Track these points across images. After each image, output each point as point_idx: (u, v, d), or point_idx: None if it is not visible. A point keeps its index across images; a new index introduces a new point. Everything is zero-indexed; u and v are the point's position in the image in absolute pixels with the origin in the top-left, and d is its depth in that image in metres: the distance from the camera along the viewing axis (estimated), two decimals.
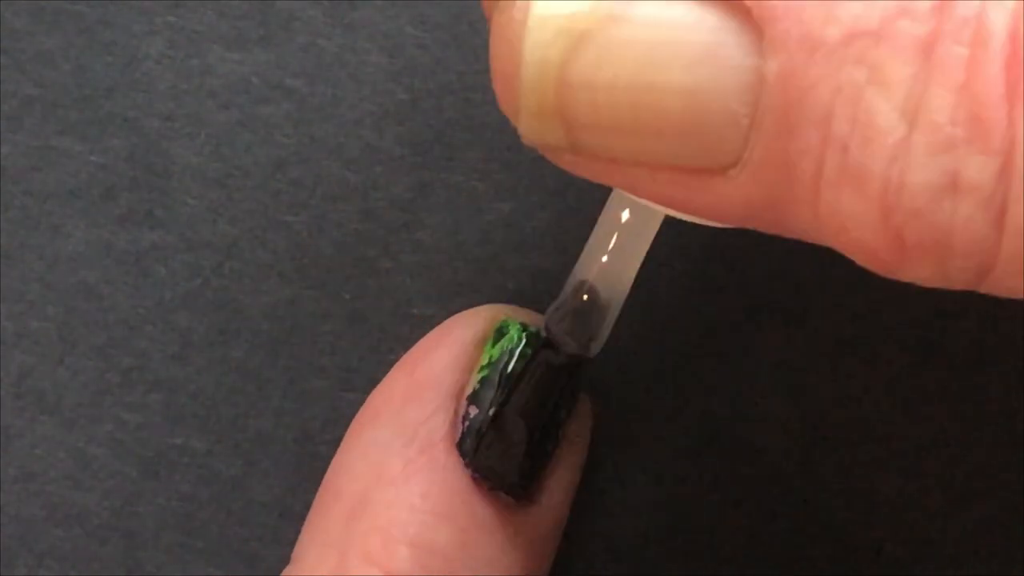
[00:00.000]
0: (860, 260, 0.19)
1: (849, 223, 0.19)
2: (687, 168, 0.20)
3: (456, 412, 0.27)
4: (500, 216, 0.29)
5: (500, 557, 0.26)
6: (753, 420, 0.29)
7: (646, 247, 0.25)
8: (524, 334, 0.27)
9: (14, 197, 0.30)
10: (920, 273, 0.19)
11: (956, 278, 0.19)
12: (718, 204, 0.20)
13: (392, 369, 0.28)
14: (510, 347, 0.27)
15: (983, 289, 0.19)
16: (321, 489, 0.27)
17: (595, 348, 0.26)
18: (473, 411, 0.27)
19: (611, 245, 0.25)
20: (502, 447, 0.26)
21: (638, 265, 0.25)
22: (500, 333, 0.27)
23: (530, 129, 0.20)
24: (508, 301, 0.29)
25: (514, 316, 0.27)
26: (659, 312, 0.29)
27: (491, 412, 0.26)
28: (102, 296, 0.30)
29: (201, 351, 0.30)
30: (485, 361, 0.27)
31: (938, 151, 0.18)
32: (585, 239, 0.26)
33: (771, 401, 0.29)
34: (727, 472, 0.29)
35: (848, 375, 0.29)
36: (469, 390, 0.27)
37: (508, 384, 0.26)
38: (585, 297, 0.25)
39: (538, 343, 0.26)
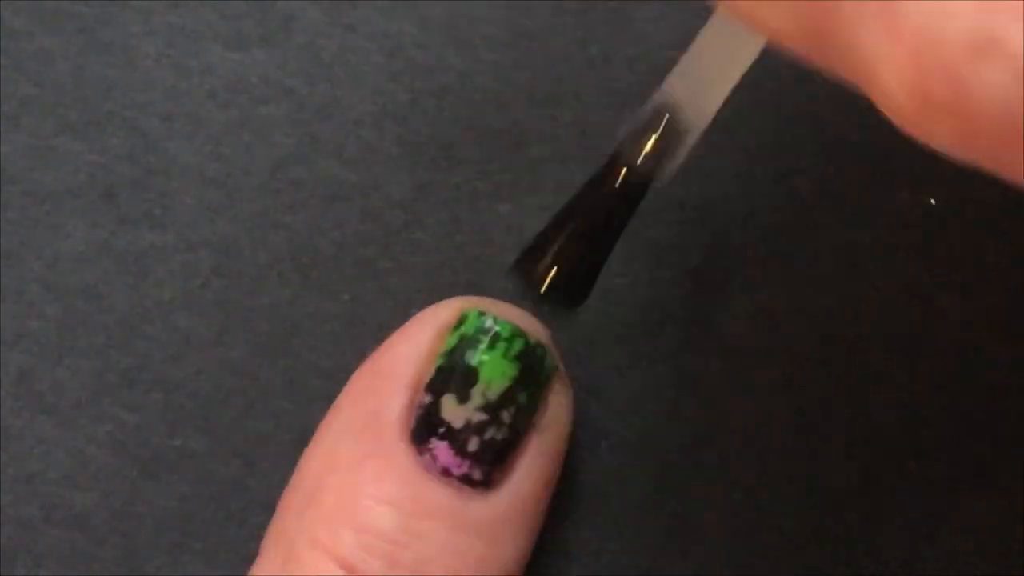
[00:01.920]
0: (884, 107, 0.19)
1: (880, 65, 0.18)
2: None
3: (413, 401, 0.27)
4: (500, 216, 0.29)
5: (452, 541, 0.26)
6: (753, 420, 0.29)
7: (736, 79, 0.23)
8: (481, 322, 0.27)
9: (13, 197, 0.30)
10: (938, 132, 0.18)
11: (973, 145, 0.18)
12: (777, 21, 0.19)
13: (362, 363, 0.28)
14: (467, 335, 0.27)
15: (994, 165, 0.18)
16: (288, 483, 0.28)
17: (667, 173, 0.24)
18: (427, 399, 0.27)
19: (702, 69, 0.23)
20: (458, 436, 0.26)
21: (726, 94, 0.23)
22: (462, 322, 0.27)
23: None
24: (508, 301, 0.29)
25: (485, 307, 0.27)
26: (659, 311, 0.29)
27: (439, 401, 0.26)
28: (101, 296, 0.30)
29: (200, 351, 0.30)
30: (444, 350, 0.27)
31: (981, 9, 0.17)
32: None
33: (771, 401, 0.29)
34: (726, 472, 0.29)
35: (848, 375, 0.29)
36: (427, 379, 0.27)
37: (464, 376, 0.27)
38: (667, 117, 0.23)
39: (493, 332, 0.27)
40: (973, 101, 0.18)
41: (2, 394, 0.30)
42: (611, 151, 0.24)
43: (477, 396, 0.27)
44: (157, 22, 0.30)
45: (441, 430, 0.27)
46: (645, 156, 0.24)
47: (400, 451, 0.27)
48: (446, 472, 0.26)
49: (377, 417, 0.27)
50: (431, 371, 0.27)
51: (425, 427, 0.27)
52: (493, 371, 0.27)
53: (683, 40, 0.29)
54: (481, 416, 0.27)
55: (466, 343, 0.27)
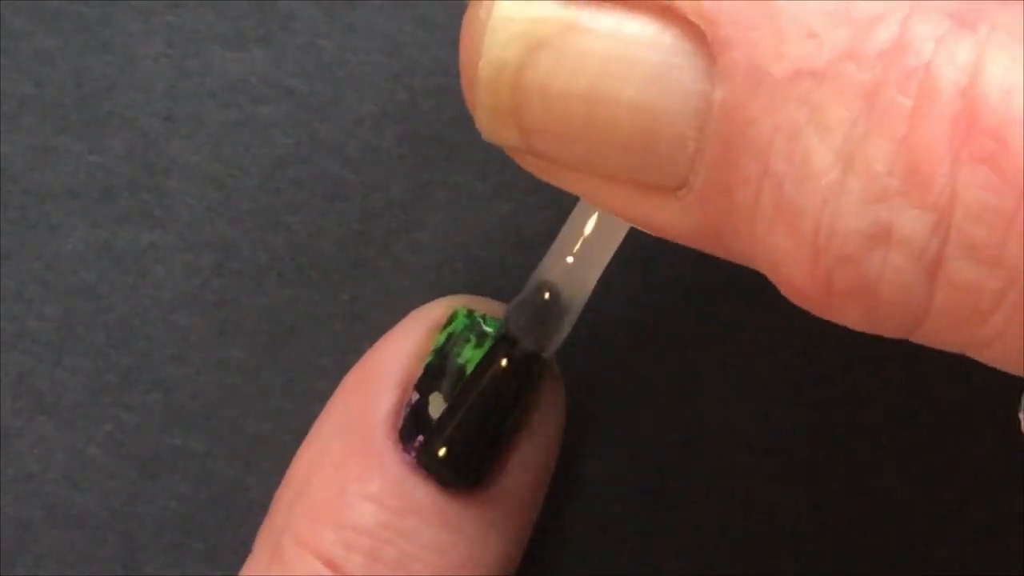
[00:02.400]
0: (791, 297, 0.19)
1: (781, 259, 0.19)
2: (636, 183, 0.20)
3: (401, 399, 0.27)
4: (500, 216, 0.29)
5: (436, 538, 0.26)
6: (753, 419, 0.29)
7: (611, 252, 0.25)
8: (469, 320, 0.27)
9: (12, 197, 0.30)
10: (847, 317, 0.19)
11: (885, 326, 0.19)
12: (666, 223, 0.20)
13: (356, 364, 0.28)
14: (455, 333, 0.27)
15: (916, 339, 0.19)
16: (282, 482, 0.28)
17: (552, 348, 0.26)
18: (415, 397, 0.27)
19: (577, 247, 0.25)
20: (445, 435, 0.27)
21: (602, 269, 0.25)
22: (451, 320, 0.27)
23: (486, 127, 0.21)
24: (508, 301, 0.29)
25: (475, 306, 0.27)
26: (659, 311, 0.29)
27: (426, 399, 0.27)
28: (101, 296, 0.30)
29: (200, 351, 0.30)
30: (432, 348, 0.27)
31: (872, 199, 0.18)
32: None
33: (771, 401, 0.29)
34: (727, 472, 0.29)
35: (849, 374, 0.29)
36: (415, 378, 0.27)
37: (452, 374, 0.27)
38: (547, 296, 0.25)
39: (481, 330, 0.27)
40: (876, 287, 0.18)
41: (2, 394, 0.30)
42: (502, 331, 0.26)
43: (468, 399, 0.27)
44: (157, 22, 0.30)
45: (429, 428, 0.27)
46: (529, 335, 0.25)
47: (386, 449, 0.27)
48: (431, 468, 0.26)
49: (365, 416, 0.27)
50: (420, 370, 0.27)
51: (412, 425, 0.27)
52: (487, 377, 0.27)
53: None
54: (467, 418, 0.27)
55: (454, 341, 0.27)
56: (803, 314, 0.29)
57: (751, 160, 0.18)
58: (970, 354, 0.19)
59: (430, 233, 0.30)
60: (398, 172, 0.30)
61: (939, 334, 0.18)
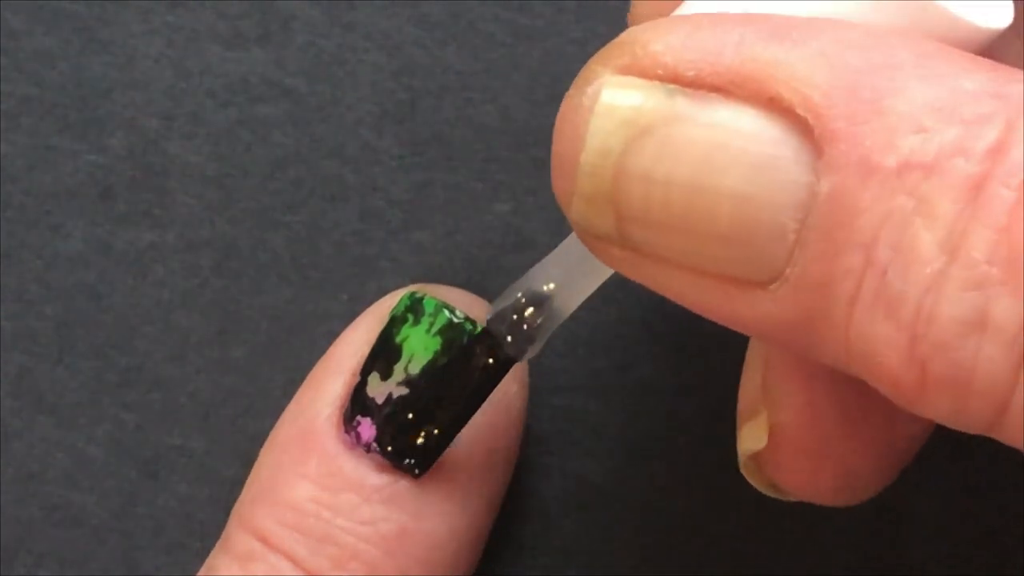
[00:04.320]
0: (883, 388, 0.19)
1: (877, 348, 0.19)
2: (729, 278, 0.20)
3: (349, 385, 0.27)
4: (500, 216, 0.29)
5: (369, 512, 0.27)
6: None
7: (604, 278, 0.25)
8: (410, 301, 0.27)
9: (12, 197, 0.30)
10: (938, 408, 0.19)
11: (971, 419, 0.19)
12: (756, 319, 0.20)
13: None
14: (396, 315, 0.27)
15: (995, 435, 0.19)
16: None
17: (530, 354, 0.26)
18: (358, 380, 0.27)
19: (573, 263, 0.25)
20: (380, 411, 0.27)
21: (594, 289, 0.25)
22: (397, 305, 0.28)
23: (581, 214, 0.21)
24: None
25: (428, 291, 0.28)
26: (659, 311, 0.29)
27: (365, 379, 0.27)
28: (100, 296, 0.30)
29: (200, 351, 0.30)
30: (378, 332, 0.28)
31: (971, 287, 0.18)
32: None
33: None
34: (727, 471, 0.29)
35: None
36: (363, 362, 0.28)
37: (390, 352, 0.27)
38: (531, 309, 0.25)
39: (420, 309, 0.27)
40: (968, 376, 0.18)
41: (1, 394, 0.30)
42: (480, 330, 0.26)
43: (399, 371, 0.27)
44: (157, 22, 0.30)
45: (365, 407, 0.27)
46: (510, 340, 0.25)
47: (326, 431, 0.27)
48: (369, 447, 0.27)
49: (312, 402, 0.28)
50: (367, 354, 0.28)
51: (352, 406, 0.27)
52: (415, 346, 0.27)
53: None
54: (403, 391, 0.27)
55: (394, 322, 0.27)
56: None
57: (855, 250, 0.19)
58: None
59: (430, 233, 0.30)
60: (398, 172, 0.30)
61: (1014, 430, 0.19)
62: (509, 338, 0.25)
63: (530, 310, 0.25)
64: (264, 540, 0.27)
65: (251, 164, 0.30)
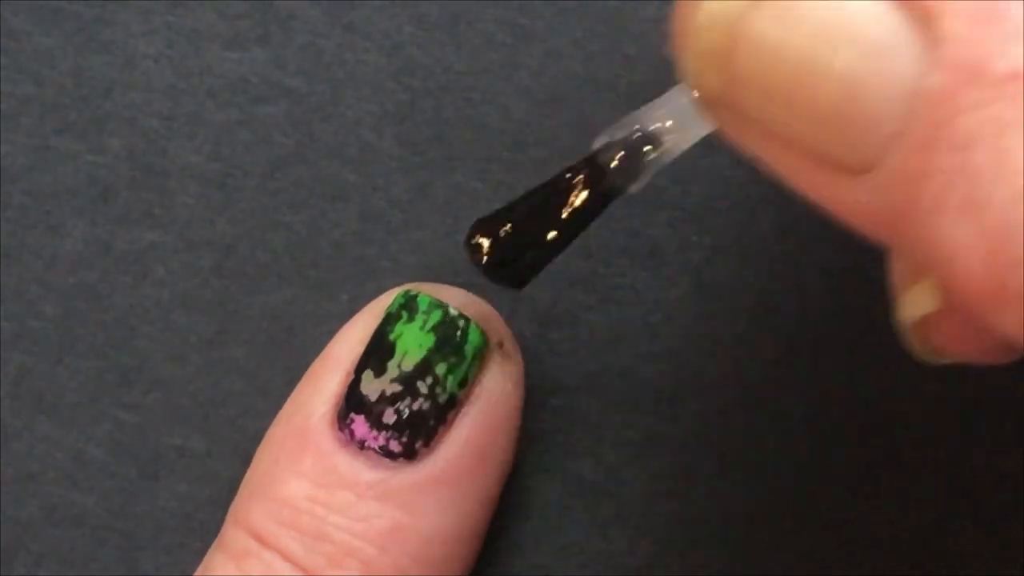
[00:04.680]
0: (958, 292, 0.19)
1: (959, 252, 0.19)
2: (826, 158, 0.20)
3: (344, 383, 0.27)
4: None
5: (363, 509, 0.27)
6: (753, 419, 0.29)
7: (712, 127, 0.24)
8: (405, 299, 0.27)
9: (12, 197, 0.30)
10: (1008, 320, 0.19)
11: None
12: (846, 202, 0.20)
13: None
14: (391, 312, 0.27)
15: None
16: None
17: (634, 188, 0.25)
18: (352, 377, 0.27)
19: (683, 109, 0.24)
20: (373, 409, 0.27)
21: (701, 136, 0.24)
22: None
23: (693, 68, 0.20)
24: (507, 301, 0.29)
25: (423, 289, 0.28)
26: (659, 311, 0.29)
27: (359, 376, 0.27)
28: (100, 296, 0.30)
29: (200, 351, 0.30)
30: (373, 330, 0.28)
31: None
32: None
33: (771, 401, 0.29)
34: (727, 471, 0.29)
35: (849, 374, 0.29)
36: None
37: (384, 350, 0.27)
38: (644, 141, 0.24)
39: (414, 306, 0.27)
40: None
41: (1, 394, 0.30)
42: (587, 153, 0.25)
43: (392, 368, 0.27)
44: (157, 22, 0.30)
45: (359, 405, 0.27)
46: (616, 169, 0.24)
47: (320, 429, 0.27)
48: (364, 445, 0.27)
49: (308, 400, 0.28)
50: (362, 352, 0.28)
51: (347, 403, 0.27)
52: (408, 343, 0.27)
53: None
54: (396, 388, 0.27)
55: (389, 320, 0.27)
56: (804, 315, 0.29)
57: (951, 150, 0.19)
58: None
59: (430, 233, 0.30)
60: (398, 172, 0.30)
61: None
62: (615, 165, 0.24)
63: (641, 144, 0.24)
64: (259, 538, 0.27)
65: (251, 164, 0.30)
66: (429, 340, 0.27)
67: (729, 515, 0.29)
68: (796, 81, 0.20)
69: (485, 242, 0.26)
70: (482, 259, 0.26)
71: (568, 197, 0.25)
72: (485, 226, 0.26)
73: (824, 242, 0.29)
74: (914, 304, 0.24)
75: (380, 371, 0.27)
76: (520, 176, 0.30)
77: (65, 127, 0.30)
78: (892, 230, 0.20)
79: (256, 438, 0.29)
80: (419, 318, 0.27)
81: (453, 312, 0.27)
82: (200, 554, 0.28)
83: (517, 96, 0.29)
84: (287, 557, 0.27)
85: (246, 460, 0.29)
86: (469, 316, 0.27)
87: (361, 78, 0.30)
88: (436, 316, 0.27)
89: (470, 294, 0.28)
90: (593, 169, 0.25)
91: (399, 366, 0.27)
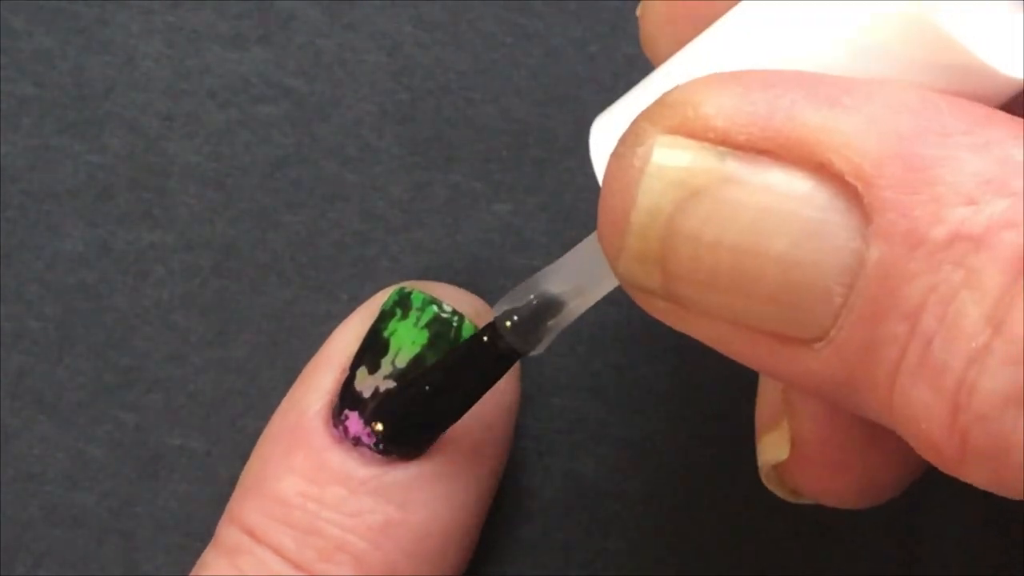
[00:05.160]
0: (923, 452, 0.20)
1: (919, 414, 0.19)
2: (775, 334, 0.20)
3: (339, 380, 0.27)
4: (500, 216, 0.29)
5: (355, 504, 0.27)
6: (753, 420, 0.29)
7: (614, 285, 0.25)
8: (399, 296, 0.27)
9: (12, 197, 0.30)
10: (977, 476, 0.19)
11: (1009, 488, 0.19)
12: (799, 374, 0.20)
13: None
14: (385, 310, 0.27)
15: None
16: None
17: (538, 350, 0.26)
18: (347, 375, 0.27)
19: (587, 268, 0.25)
20: (367, 405, 0.27)
21: (606, 292, 0.25)
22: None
23: (628, 271, 0.21)
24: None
25: (419, 287, 0.28)
26: None
27: (354, 373, 0.27)
28: (100, 296, 0.30)
29: (200, 351, 0.30)
30: (368, 328, 0.28)
31: (1013, 361, 0.18)
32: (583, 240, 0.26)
33: None
34: (726, 472, 0.29)
35: None
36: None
37: (378, 346, 0.27)
38: (542, 310, 0.25)
39: (407, 303, 0.27)
40: (1007, 447, 0.19)
41: (1, 394, 0.30)
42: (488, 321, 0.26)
43: (386, 365, 0.27)
44: (157, 22, 0.30)
45: (353, 401, 0.27)
46: (516, 336, 0.25)
47: (314, 426, 0.27)
48: (358, 441, 0.27)
49: (302, 397, 0.28)
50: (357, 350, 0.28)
51: (341, 400, 0.27)
52: (402, 339, 0.27)
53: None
54: (389, 384, 0.27)
55: (383, 317, 0.27)
56: None
57: (901, 318, 0.19)
58: None
59: (430, 233, 0.30)
60: (398, 172, 0.30)
61: None
62: (514, 335, 0.25)
63: (540, 310, 0.25)
64: (251, 534, 0.27)
65: (251, 164, 0.30)
66: (423, 337, 0.27)
67: (729, 515, 0.29)
68: (737, 271, 0.20)
69: (380, 427, 0.27)
70: (379, 442, 0.27)
71: (466, 368, 0.26)
72: (382, 409, 0.27)
73: None
74: (770, 450, 0.25)
75: (374, 368, 0.27)
76: (520, 176, 0.30)
77: (65, 127, 0.30)
78: (850, 395, 0.20)
79: (256, 438, 0.29)
80: (413, 315, 0.27)
81: (447, 309, 0.27)
82: (199, 554, 0.28)
83: (517, 96, 0.29)
84: (279, 552, 0.27)
85: (246, 460, 0.29)
86: (463, 313, 0.27)
87: (361, 78, 0.30)
88: (430, 313, 0.27)
89: (464, 291, 0.29)
90: (492, 336, 0.25)
91: (393, 363, 0.27)
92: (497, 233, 0.30)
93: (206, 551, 0.28)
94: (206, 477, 0.30)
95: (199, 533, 0.30)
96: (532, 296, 0.25)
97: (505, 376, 0.28)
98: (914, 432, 0.19)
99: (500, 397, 0.28)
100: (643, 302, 0.21)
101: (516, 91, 0.29)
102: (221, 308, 0.30)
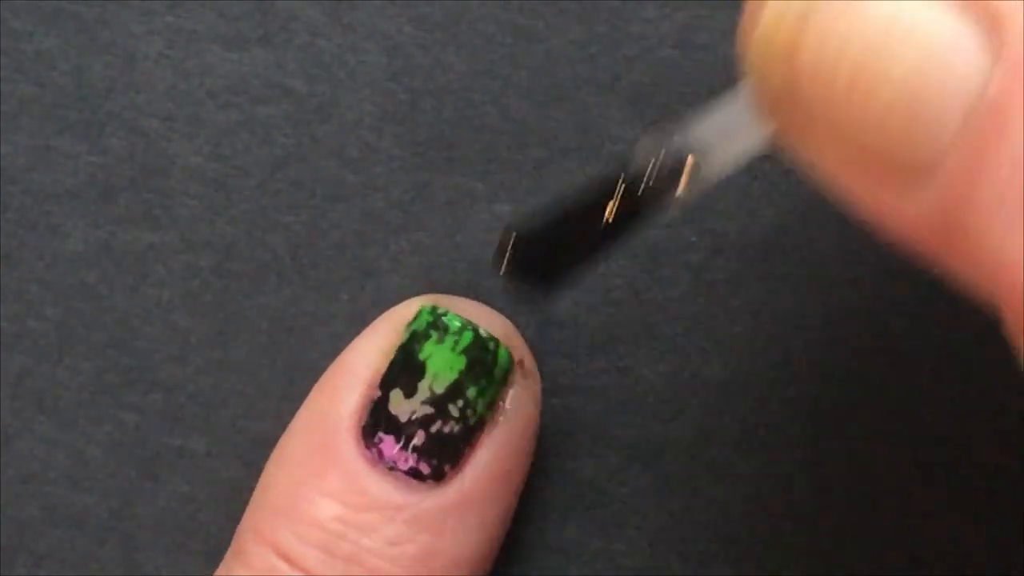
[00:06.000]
0: (1005, 308, 0.19)
1: (1007, 267, 0.19)
2: (884, 155, 0.20)
3: (366, 397, 0.27)
4: (500, 216, 0.29)
5: (393, 533, 0.26)
6: (753, 420, 0.29)
7: (767, 137, 0.24)
8: (432, 317, 0.27)
9: (13, 197, 0.30)
10: None
11: None
12: (900, 214, 0.20)
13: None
14: (418, 330, 0.27)
15: None
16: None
17: (672, 208, 0.24)
18: (378, 394, 0.27)
19: (735, 122, 0.24)
20: (403, 430, 0.27)
21: (749, 153, 0.24)
22: (417, 318, 0.28)
23: (757, 63, 0.20)
24: (507, 302, 0.29)
25: (444, 303, 0.28)
26: (659, 311, 0.29)
27: (387, 395, 0.27)
28: (101, 296, 0.30)
29: (200, 351, 0.30)
30: (397, 345, 0.27)
31: None
32: None
33: (771, 401, 0.29)
34: (727, 472, 0.29)
35: (849, 374, 0.29)
36: (381, 375, 0.27)
37: (413, 370, 0.27)
38: (688, 158, 0.24)
39: (444, 325, 0.27)
40: None
41: (1, 394, 0.30)
42: (629, 167, 0.24)
43: (424, 389, 0.27)
44: (157, 22, 0.30)
45: (388, 424, 0.27)
46: (654, 187, 0.24)
47: (346, 446, 0.27)
48: (393, 466, 0.27)
49: (328, 414, 0.27)
50: (385, 368, 0.27)
51: (373, 422, 0.27)
52: (440, 364, 0.27)
53: (683, 39, 0.29)
54: (427, 410, 0.27)
55: (416, 338, 0.27)
56: (804, 315, 0.29)
57: (1006, 158, 0.18)
58: None
59: (430, 233, 0.30)
60: (398, 172, 0.30)
61: None
62: (654, 183, 0.24)
63: (682, 162, 0.24)
64: (286, 557, 0.27)
65: (251, 165, 0.30)
66: (460, 362, 0.27)
67: (729, 515, 0.29)
68: (858, 78, 0.19)
69: (509, 248, 0.25)
70: (506, 263, 0.25)
71: (603, 212, 0.24)
72: (518, 229, 0.25)
73: (824, 242, 0.29)
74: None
75: (410, 392, 0.27)
76: (520, 176, 0.30)
77: (65, 127, 0.30)
78: (943, 245, 0.19)
79: (256, 439, 0.29)
80: (449, 339, 0.27)
81: (484, 334, 0.27)
82: (200, 555, 0.28)
83: (517, 96, 0.29)
84: None
85: (246, 461, 0.29)
86: (497, 336, 0.27)
87: (361, 78, 0.30)
88: (467, 338, 0.27)
89: (491, 310, 0.28)
90: (631, 184, 0.24)
91: (430, 388, 0.27)
92: (497, 233, 0.30)
93: (229, 566, 0.27)
94: (206, 477, 0.30)
95: (199, 533, 0.30)
96: (676, 146, 0.23)
97: (532, 400, 0.28)
98: (999, 286, 0.19)
99: (528, 420, 0.28)
100: (768, 102, 0.21)
101: (516, 91, 0.29)
102: (221, 308, 0.30)
